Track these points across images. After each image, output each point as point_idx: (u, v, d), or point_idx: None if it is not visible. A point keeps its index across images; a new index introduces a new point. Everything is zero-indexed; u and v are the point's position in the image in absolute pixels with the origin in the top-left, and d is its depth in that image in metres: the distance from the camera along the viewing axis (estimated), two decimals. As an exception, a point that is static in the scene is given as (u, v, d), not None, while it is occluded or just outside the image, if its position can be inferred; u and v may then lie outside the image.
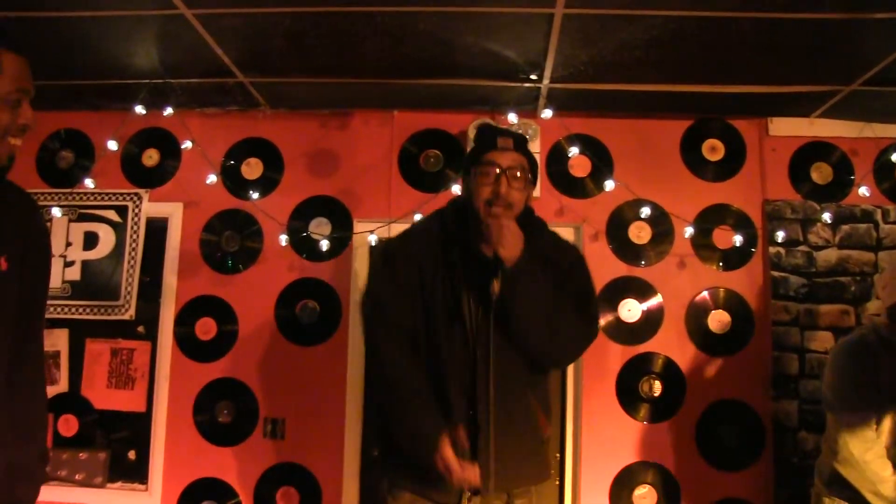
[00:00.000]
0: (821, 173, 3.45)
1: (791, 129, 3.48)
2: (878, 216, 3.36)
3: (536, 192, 3.44)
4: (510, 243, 1.95)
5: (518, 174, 2.04)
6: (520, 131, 3.39)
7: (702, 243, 3.42)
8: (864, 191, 3.34)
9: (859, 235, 3.35)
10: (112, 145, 3.34)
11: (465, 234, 2.10)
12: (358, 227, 3.53)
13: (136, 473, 3.49)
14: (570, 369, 3.44)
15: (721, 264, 3.42)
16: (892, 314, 2.42)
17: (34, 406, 1.57)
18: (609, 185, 3.37)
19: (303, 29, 2.72)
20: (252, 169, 3.60)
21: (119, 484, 3.48)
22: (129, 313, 3.50)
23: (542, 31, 2.70)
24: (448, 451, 1.88)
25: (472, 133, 3.41)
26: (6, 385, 1.48)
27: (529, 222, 2.11)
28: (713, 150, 3.50)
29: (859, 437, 2.34)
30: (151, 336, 3.54)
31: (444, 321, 2.03)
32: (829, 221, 3.33)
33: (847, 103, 3.25)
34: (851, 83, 3.05)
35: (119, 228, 3.55)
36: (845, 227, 3.35)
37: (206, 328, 3.51)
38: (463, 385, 2.01)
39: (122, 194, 3.58)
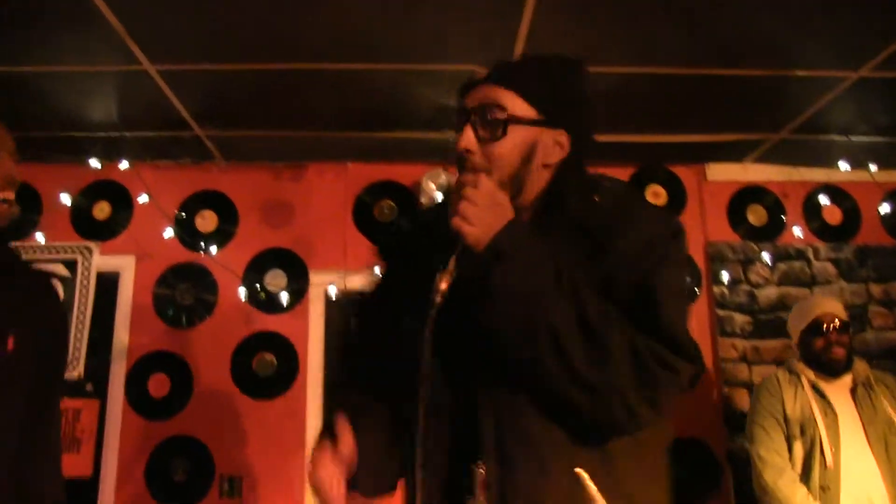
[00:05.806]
0: (756, 215, 3.66)
1: (727, 174, 3.70)
2: (810, 254, 3.58)
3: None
4: (478, 217, 1.19)
5: (489, 115, 1.26)
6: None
7: (650, 285, 3.55)
8: (797, 231, 3.56)
9: (795, 273, 3.55)
10: (65, 199, 3.27)
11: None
12: (314, 278, 3.54)
13: (81, 544, 3.32)
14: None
15: (669, 304, 3.55)
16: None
17: (44, 476, 1.57)
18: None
19: (263, 84, 2.78)
20: (206, 221, 3.58)
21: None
22: (78, 371, 3.37)
23: (496, 84, 2.82)
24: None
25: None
26: (16, 461, 1.48)
27: (561, 183, 1.34)
28: (656, 195, 3.68)
29: None
30: (101, 394, 3.42)
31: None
32: (769, 262, 3.52)
33: (776, 150, 3.49)
34: (779, 131, 3.29)
35: (68, 283, 3.44)
36: (782, 266, 3.55)
37: (159, 384, 3.42)
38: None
39: (71, 247, 3.49)
